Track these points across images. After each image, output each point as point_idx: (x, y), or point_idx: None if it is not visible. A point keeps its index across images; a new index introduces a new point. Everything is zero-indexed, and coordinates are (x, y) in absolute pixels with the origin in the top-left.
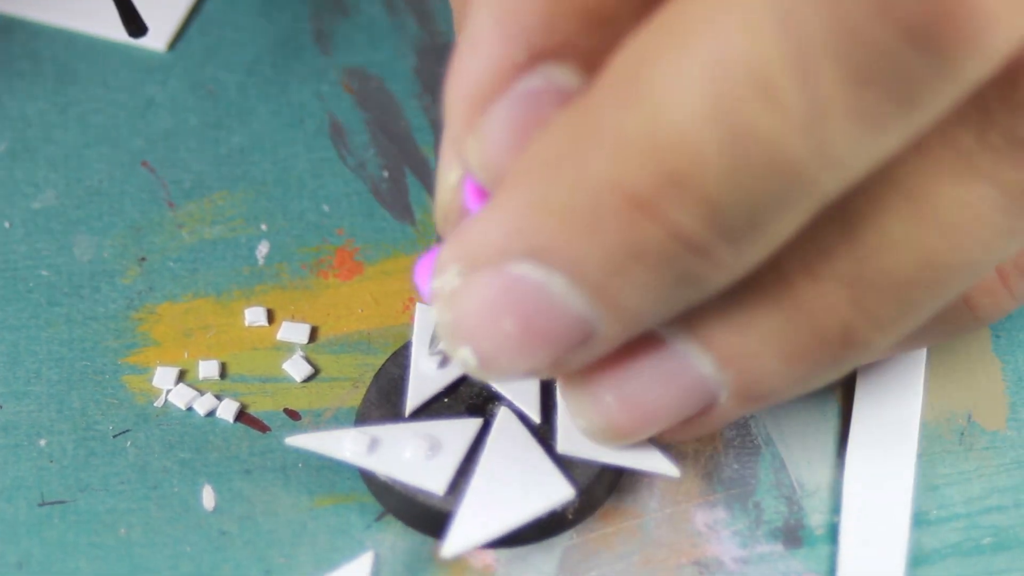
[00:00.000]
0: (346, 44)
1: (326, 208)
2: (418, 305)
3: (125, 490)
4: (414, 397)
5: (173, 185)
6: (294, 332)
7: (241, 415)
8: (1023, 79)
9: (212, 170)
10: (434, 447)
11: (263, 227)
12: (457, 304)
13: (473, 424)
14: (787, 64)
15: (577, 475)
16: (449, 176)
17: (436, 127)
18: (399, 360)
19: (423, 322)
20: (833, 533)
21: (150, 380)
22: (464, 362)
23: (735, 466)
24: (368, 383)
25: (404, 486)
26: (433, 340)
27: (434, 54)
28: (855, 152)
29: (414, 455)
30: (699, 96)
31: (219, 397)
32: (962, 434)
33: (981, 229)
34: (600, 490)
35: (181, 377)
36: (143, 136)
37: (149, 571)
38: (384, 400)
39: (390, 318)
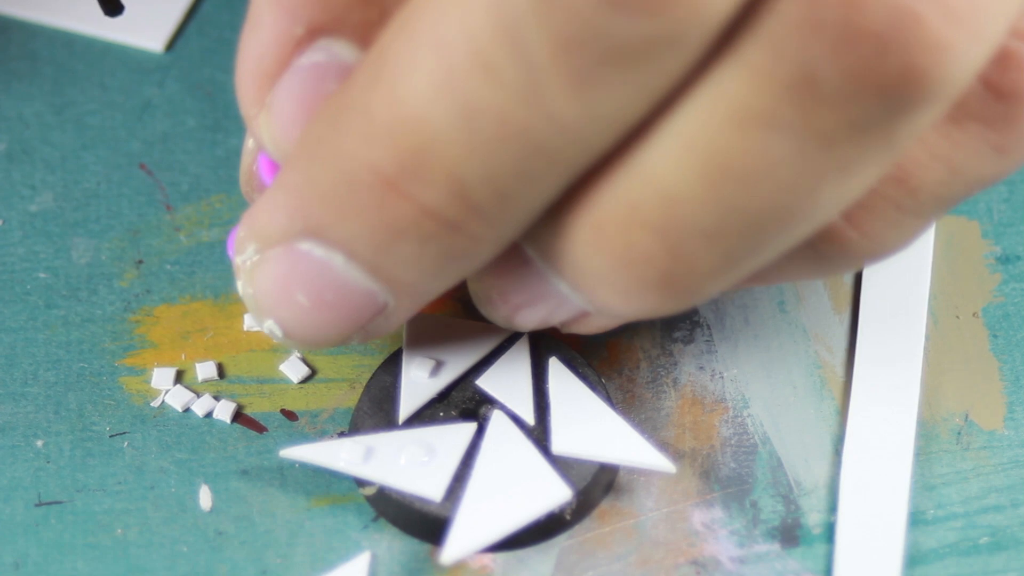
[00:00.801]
0: None
1: None
2: None
3: (122, 490)
4: (407, 404)
5: (171, 188)
6: None
7: (238, 416)
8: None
9: (210, 173)
10: (429, 453)
11: None
12: (255, 279)
13: (467, 429)
14: (498, 37)
15: (573, 475)
16: (248, 145)
17: None
18: (390, 368)
19: (413, 329)
20: (830, 532)
21: (147, 381)
22: (271, 332)
23: (732, 465)
24: (362, 389)
25: (400, 494)
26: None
27: None
28: (582, 117)
29: (409, 462)
30: (428, 75)
31: (216, 398)
32: (959, 434)
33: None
34: (597, 490)
35: (178, 378)
36: (140, 138)
37: (146, 571)
38: (377, 408)
39: None
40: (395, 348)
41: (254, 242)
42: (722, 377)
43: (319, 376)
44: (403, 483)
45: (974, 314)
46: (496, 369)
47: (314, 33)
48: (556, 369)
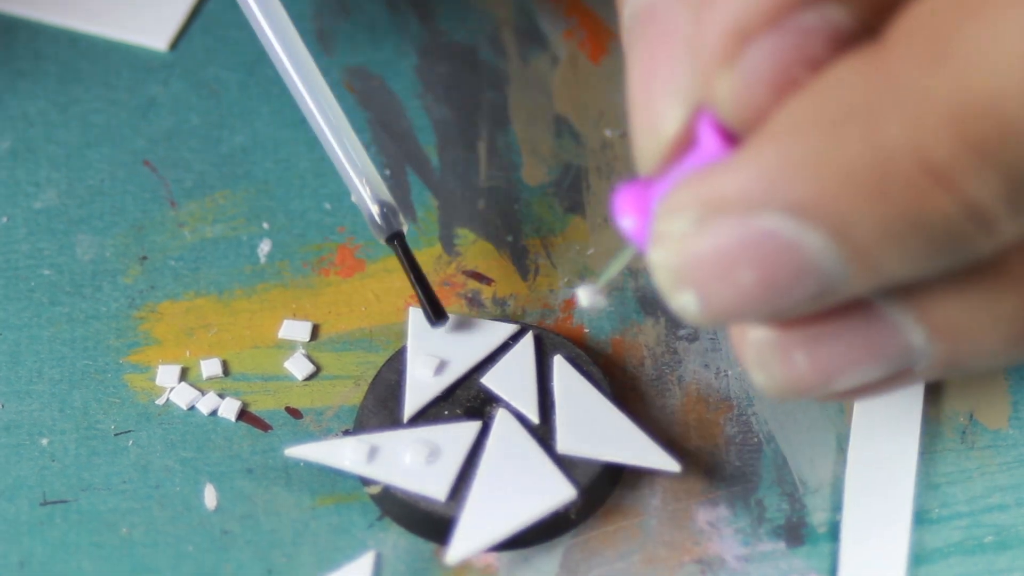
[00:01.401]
0: (348, 44)
1: (327, 206)
2: (411, 309)
3: (127, 489)
4: (412, 403)
5: (175, 184)
6: (295, 330)
7: (243, 414)
8: None
9: (214, 169)
10: (434, 452)
11: (265, 226)
12: (689, 249)
13: (472, 427)
14: None
15: (578, 475)
16: (668, 111)
17: (437, 126)
18: (394, 366)
19: (416, 326)
20: (835, 531)
21: (152, 379)
22: (683, 307)
23: (737, 464)
24: (367, 386)
25: (405, 493)
26: (601, 280)
27: (436, 53)
28: None
29: (414, 461)
30: (1018, 58)
31: (221, 396)
32: (964, 433)
33: None
34: (602, 489)
35: (183, 376)
36: (145, 135)
37: (151, 570)
38: (381, 407)
39: (391, 315)
40: (399, 346)
41: (697, 209)
42: (727, 375)
43: (324, 373)
44: (408, 482)
45: None
46: (501, 367)
47: None
48: (561, 368)
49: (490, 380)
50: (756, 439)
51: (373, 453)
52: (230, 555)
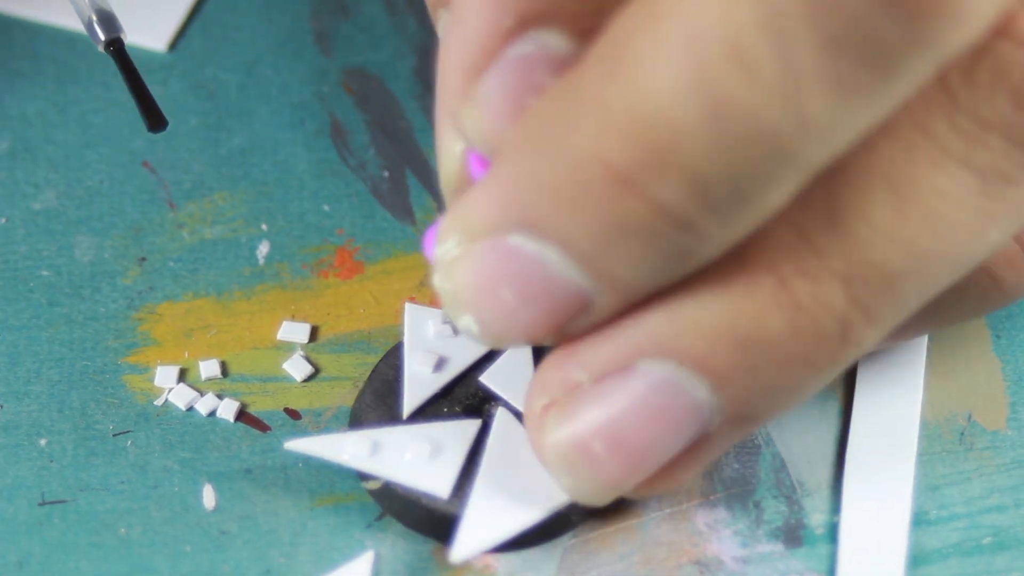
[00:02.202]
0: (347, 44)
1: (327, 208)
2: (407, 305)
3: (125, 490)
4: (411, 399)
5: (173, 185)
6: (294, 332)
7: (241, 415)
8: (984, 58)
9: (212, 170)
10: (435, 450)
11: (264, 227)
12: (457, 273)
13: (472, 425)
14: (762, 32)
15: None
16: (453, 147)
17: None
18: (392, 361)
19: (414, 322)
20: (833, 533)
21: (151, 380)
22: (467, 329)
23: (735, 465)
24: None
25: (406, 490)
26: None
27: (435, 54)
28: (833, 121)
29: (416, 458)
30: (677, 69)
31: (219, 397)
32: (962, 434)
33: (963, 215)
34: None
35: (182, 376)
36: (143, 136)
37: (149, 570)
38: (380, 402)
39: (390, 317)
40: (396, 341)
41: (458, 234)
42: None
43: (322, 374)
44: (409, 479)
45: None
46: (499, 365)
47: (525, 24)
48: None
49: (489, 378)
50: (754, 441)
51: (374, 449)
52: (228, 555)
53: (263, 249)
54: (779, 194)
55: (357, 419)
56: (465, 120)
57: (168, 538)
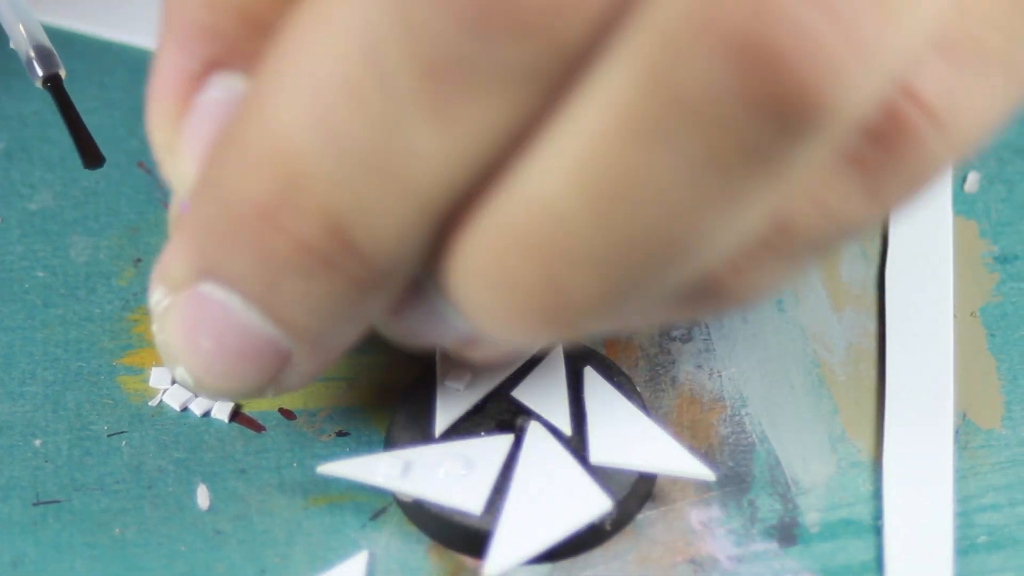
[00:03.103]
0: None
1: None
2: None
3: (120, 490)
4: (443, 418)
5: (169, 186)
6: None
7: (236, 415)
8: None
9: None
10: (467, 466)
11: None
12: (165, 324)
13: (504, 440)
14: (362, 61)
15: (612, 485)
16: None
17: None
18: (425, 381)
19: None
20: (828, 531)
21: (145, 381)
22: (183, 381)
23: (730, 464)
24: (359, 387)
25: (440, 508)
26: None
27: None
28: (443, 146)
29: (448, 476)
30: (298, 103)
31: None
32: (957, 433)
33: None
34: (636, 499)
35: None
36: (139, 137)
37: (144, 570)
38: (413, 423)
39: None
40: (397, 351)
41: (163, 286)
42: (720, 376)
43: None
44: (442, 497)
45: (972, 313)
46: (531, 380)
47: (209, 68)
48: (591, 378)
49: (521, 393)
50: (749, 439)
51: (406, 468)
52: (223, 555)
53: None
54: (420, 224)
55: (391, 441)
56: (170, 172)
57: (163, 538)
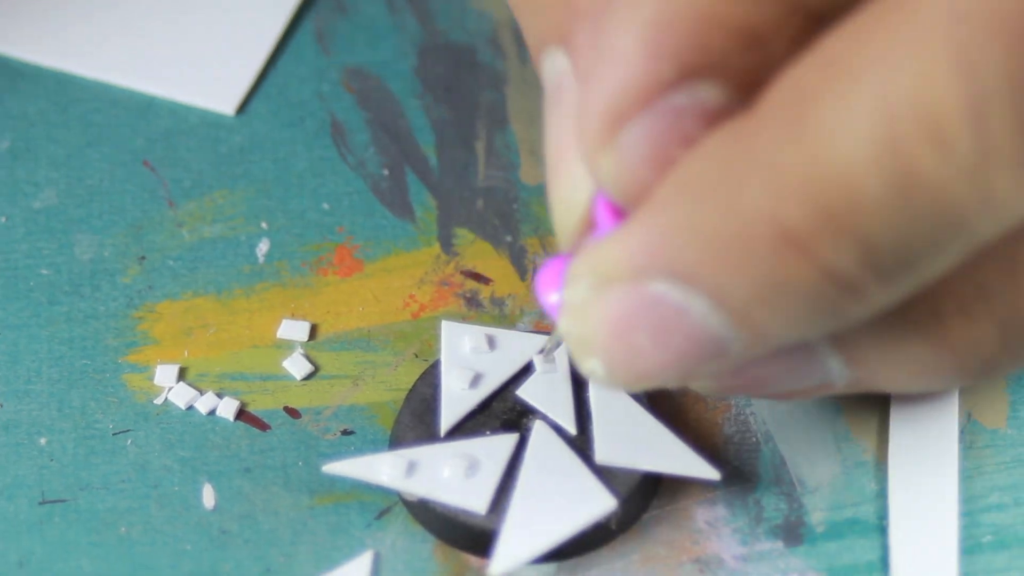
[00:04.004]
0: (346, 43)
1: (326, 206)
2: (444, 323)
3: (125, 489)
4: (448, 417)
5: (173, 184)
6: (294, 330)
7: (241, 413)
8: None
9: (212, 169)
10: (472, 466)
11: (263, 225)
12: (588, 317)
13: (509, 440)
14: (961, 110)
15: (617, 484)
16: (573, 192)
17: (436, 126)
18: (429, 380)
19: (450, 340)
20: (834, 530)
21: (150, 378)
22: (591, 372)
23: (735, 463)
24: (365, 386)
25: (445, 507)
26: (545, 348)
27: (434, 53)
28: (1017, 199)
29: (453, 475)
30: (866, 136)
31: (219, 395)
32: (963, 433)
33: None
34: (641, 498)
35: (181, 375)
36: (144, 135)
37: (149, 569)
38: (418, 422)
39: (390, 315)
40: (397, 347)
41: (591, 278)
42: None
43: (322, 373)
44: (447, 496)
45: None
46: (536, 379)
47: (686, 76)
48: None
49: (526, 392)
50: (754, 439)
51: (411, 468)
52: (228, 554)
53: (263, 247)
54: (947, 262)
55: (396, 440)
56: (602, 165)
57: (168, 537)
